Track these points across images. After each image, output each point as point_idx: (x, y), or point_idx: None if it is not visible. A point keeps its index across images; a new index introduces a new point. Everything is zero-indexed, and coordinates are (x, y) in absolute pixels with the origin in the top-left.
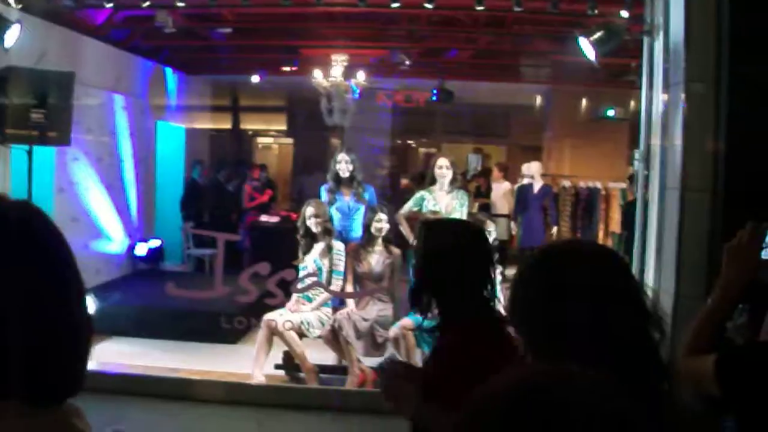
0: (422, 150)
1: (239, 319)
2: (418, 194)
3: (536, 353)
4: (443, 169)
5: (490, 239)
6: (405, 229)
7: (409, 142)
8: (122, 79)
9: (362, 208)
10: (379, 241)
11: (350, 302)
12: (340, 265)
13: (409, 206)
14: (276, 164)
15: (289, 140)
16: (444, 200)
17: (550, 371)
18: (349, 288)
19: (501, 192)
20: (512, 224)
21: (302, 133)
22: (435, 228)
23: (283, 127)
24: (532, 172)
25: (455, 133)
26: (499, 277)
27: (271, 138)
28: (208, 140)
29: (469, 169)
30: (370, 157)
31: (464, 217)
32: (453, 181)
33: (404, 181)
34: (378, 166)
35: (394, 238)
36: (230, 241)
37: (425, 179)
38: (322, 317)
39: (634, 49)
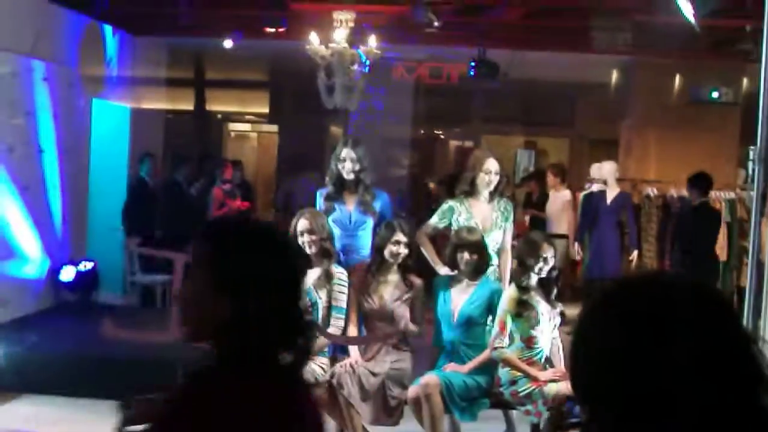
0: (454, 143)
1: None
2: (446, 205)
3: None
4: (491, 174)
5: (546, 267)
6: (429, 252)
7: (437, 132)
8: (42, 39)
9: (370, 222)
10: (395, 268)
11: (354, 350)
12: (342, 300)
13: (434, 221)
14: (255, 160)
15: (273, 128)
16: (482, 213)
17: None
18: (353, 331)
19: (559, 203)
20: (575, 246)
21: (291, 118)
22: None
23: (265, 110)
24: (605, 175)
25: (499, 121)
26: (557, 319)
27: (248, 124)
28: (161, 126)
29: (518, 171)
30: (384, 152)
31: (509, 235)
32: (497, 187)
33: (431, 186)
34: (395, 166)
35: (415, 264)
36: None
37: (459, 183)
38: (315, 370)
39: (752, 5)
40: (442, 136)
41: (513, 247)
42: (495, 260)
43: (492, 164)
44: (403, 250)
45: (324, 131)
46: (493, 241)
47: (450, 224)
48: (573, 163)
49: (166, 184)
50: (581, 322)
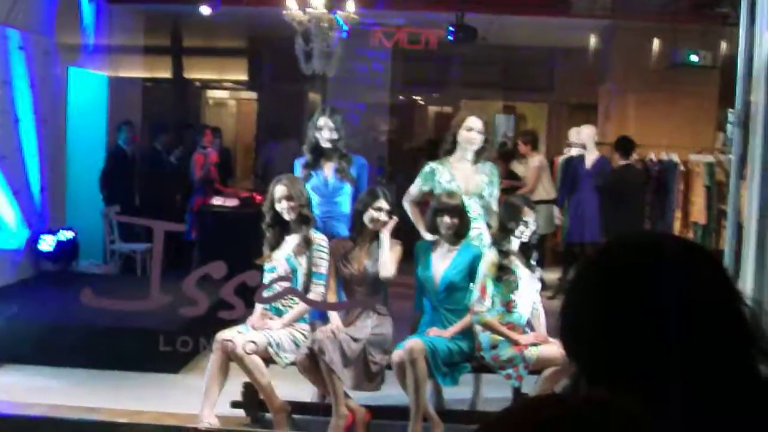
0: (433, 109)
1: (183, 340)
2: (428, 167)
3: (596, 388)
4: (473, 132)
5: (527, 232)
6: (415, 218)
7: (416, 98)
8: (18, 7)
9: (348, 188)
10: (375, 235)
11: (335, 316)
12: (322, 266)
13: (417, 186)
14: (234, 128)
15: (252, 95)
16: (464, 175)
17: None
18: (333, 297)
19: (532, 169)
20: (556, 211)
21: (269, 85)
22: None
23: (244, 77)
24: (584, 139)
25: (478, 86)
26: (537, 284)
27: (227, 91)
28: (140, 93)
29: (497, 136)
30: (363, 119)
31: (494, 199)
32: (481, 151)
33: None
34: (374, 132)
35: (396, 230)
36: (172, 232)
37: (439, 148)
38: (296, 337)
39: None
40: (421, 102)
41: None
42: (478, 224)
43: (474, 122)
44: (384, 217)
45: (303, 98)
46: (475, 205)
47: (433, 188)
48: (552, 128)
49: (144, 152)
50: (574, 277)
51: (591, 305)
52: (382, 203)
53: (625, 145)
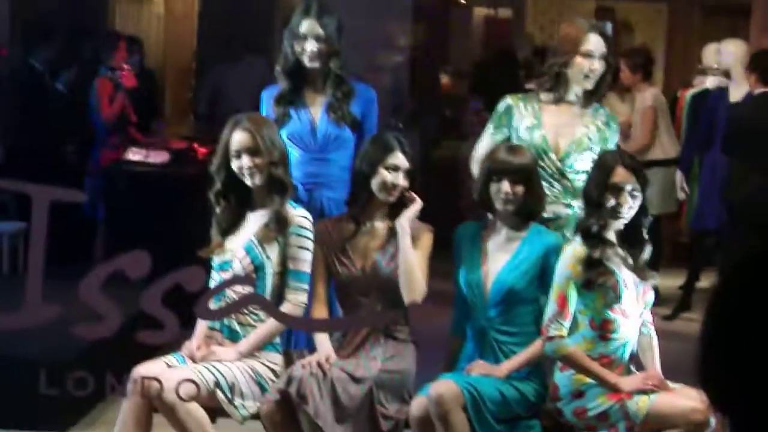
0: (481, 12)
1: (78, 378)
2: (502, 104)
3: None
4: (594, 60)
5: (625, 207)
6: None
7: None
8: None
9: (348, 136)
10: (387, 211)
11: (324, 342)
12: (305, 261)
13: (488, 134)
14: (160, 38)
15: None
16: (558, 121)
17: None
18: (323, 311)
19: (643, 110)
20: (679, 179)
21: None
22: None
23: None
24: (727, 62)
25: None
26: (649, 296)
27: None
28: None
29: None
30: (370, 26)
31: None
32: (597, 88)
33: (444, 80)
34: (386, 47)
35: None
36: (61, 205)
37: (541, 76)
38: (261, 374)
39: None
40: (462, 1)
41: None
42: (574, 202)
43: (596, 42)
44: (402, 182)
45: None
46: (571, 172)
47: (510, 137)
48: (674, 44)
49: (15, 72)
50: (725, 286)
51: (757, 333)
52: (399, 158)
53: (766, 65)
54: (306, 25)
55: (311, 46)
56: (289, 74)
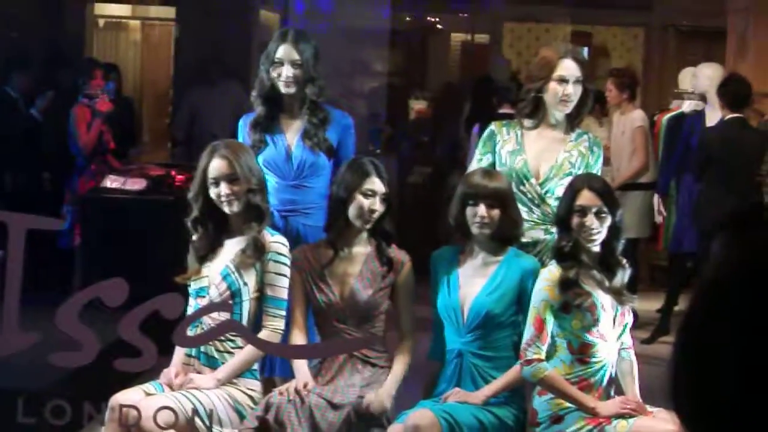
0: (458, 37)
1: (56, 406)
2: (488, 130)
3: None
4: (569, 85)
5: (593, 231)
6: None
7: (432, 19)
8: None
9: (323, 162)
10: (365, 236)
11: (302, 368)
12: (282, 287)
13: (476, 160)
14: (138, 64)
15: (167, 12)
16: (541, 146)
17: None
18: (301, 337)
19: (628, 133)
20: (657, 202)
21: None
22: None
23: None
24: (703, 86)
25: (529, 1)
26: (628, 318)
27: (127, 6)
28: None
29: None
30: (347, 52)
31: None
32: (577, 111)
33: (417, 106)
34: (364, 73)
35: (396, 230)
36: (39, 234)
37: (521, 101)
38: (240, 401)
39: None
40: (438, 26)
41: None
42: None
43: (569, 68)
44: (379, 207)
45: (250, 17)
46: (553, 198)
47: (494, 162)
48: (650, 67)
49: None
50: (702, 300)
51: (737, 350)
52: (375, 183)
53: (735, 90)
54: (282, 51)
55: (287, 71)
56: (264, 100)
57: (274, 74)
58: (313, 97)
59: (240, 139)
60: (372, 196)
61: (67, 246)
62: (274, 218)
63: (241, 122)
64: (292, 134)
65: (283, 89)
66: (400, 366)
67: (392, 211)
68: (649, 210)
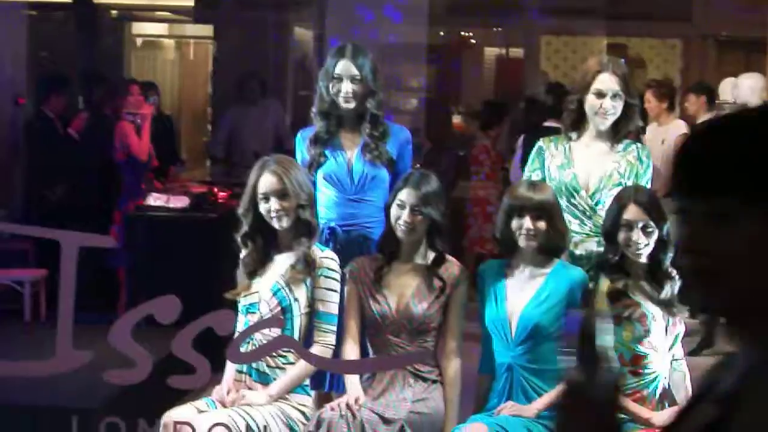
0: (492, 52)
1: (110, 423)
2: (536, 146)
3: None
4: (607, 99)
5: (641, 244)
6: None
7: (465, 34)
8: None
9: (384, 176)
10: (422, 249)
11: (353, 383)
12: (333, 303)
13: (526, 176)
14: (175, 82)
15: (204, 30)
16: (589, 160)
17: None
18: (353, 351)
19: (670, 140)
20: None
21: (231, 13)
22: None
23: (190, 3)
24: (745, 96)
25: (567, 14)
26: (679, 328)
27: (164, 24)
28: (24, 29)
29: None
30: (384, 67)
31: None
32: (622, 123)
33: (456, 120)
34: (400, 89)
35: (447, 243)
36: (92, 251)
37: (563, 114)
38: (292, 417)
39: None
40: (473, 41)
41: None
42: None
43: (607, 81)
44: (407, 217)
45: (285, 32)
46: (603, 210)
47: (544, 177)
48: (688, 79)
49: (29, 121)
50: None
51: None
52: (405, 194)
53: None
54: (341, 66)
55: (346, 87)
56: (324, 115)
57: (333, 90)
58: (373, 111)
59: (298, 153)
60: (402, 207)
61: (120, 265)
62: (336, 232)
63: (298, 136)
64: (352, 148)
65: (342, 105)
66: (452, 390)
67: (442, 227)
68: None
